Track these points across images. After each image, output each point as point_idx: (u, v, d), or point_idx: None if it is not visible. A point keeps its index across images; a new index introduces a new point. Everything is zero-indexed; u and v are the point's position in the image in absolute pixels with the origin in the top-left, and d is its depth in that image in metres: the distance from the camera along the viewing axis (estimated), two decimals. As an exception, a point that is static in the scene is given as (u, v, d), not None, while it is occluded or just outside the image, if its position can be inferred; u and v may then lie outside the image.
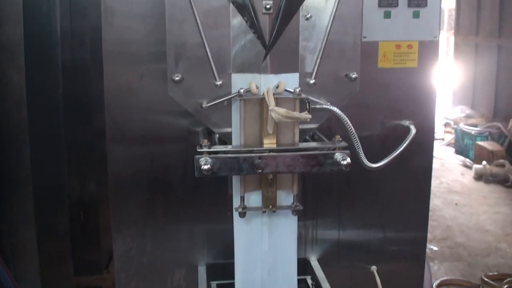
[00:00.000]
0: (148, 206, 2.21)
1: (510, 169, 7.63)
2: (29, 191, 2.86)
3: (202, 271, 2.21)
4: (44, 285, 2.87)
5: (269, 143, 1.82)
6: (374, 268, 2.34)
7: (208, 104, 1.87)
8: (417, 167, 2.35)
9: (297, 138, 1.85)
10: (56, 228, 3.33)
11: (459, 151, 8.85)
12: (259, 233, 1.97)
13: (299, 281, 2.10)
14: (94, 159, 4.14)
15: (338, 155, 1.78)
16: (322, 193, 2.31)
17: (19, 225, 2.84)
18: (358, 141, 1.90)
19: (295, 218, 1.98)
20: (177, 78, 1.87)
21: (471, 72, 10.22)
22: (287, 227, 1.98)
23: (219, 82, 1.88)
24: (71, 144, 3.66)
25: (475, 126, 8.94)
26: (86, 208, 4.10)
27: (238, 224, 1.96)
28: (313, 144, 1.89)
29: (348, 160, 1.78)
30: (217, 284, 2.13)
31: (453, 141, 9.21)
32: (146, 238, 2.23)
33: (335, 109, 1.84)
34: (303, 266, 2.21)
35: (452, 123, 9.60)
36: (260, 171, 1.78)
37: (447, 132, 9.65)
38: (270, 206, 1.91)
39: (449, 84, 11.18)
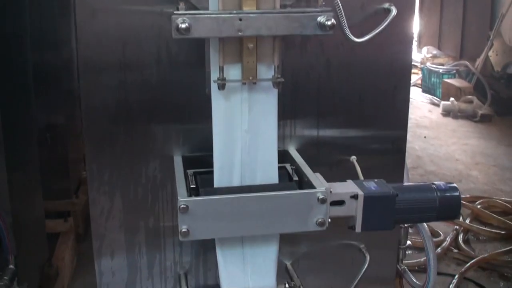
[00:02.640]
0: (119, 93, 2.09)
1: (478, 105, 7.68)
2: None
3: (178, 160, 2.11)
4: (14, 211, 2.75)
5: (249, 7, 1.72)
6: (354, 158, 2.27)
7: (184, -35, 1.76)
8: (396, 55, 2.28)
9: (278, 4, 1.76)
10: (25, 155, 3.20)
11: (426, 90, 8.88)
12: (239, 108, 1.89)
13: (278, 168, 2.02)
14: (61, 92, 4.03)
15: (322, 17, 1.70)
16: (300, 87, 2.21)
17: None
18: (342, 11, 1.82)
19: (276, 92, 1.89)
20: None
21: (437, 14, 10.20)
22: (268, 102, 1.89)
23: None
24: (38, 74, 3.52)
25: (442, 65, 8.96)
26: (54, 137, 3.99)
27: (217, 100, 1.87)
28: (294, 9, 1.80)
29: (333, 20, 1.69)
30: (193, 172, 2.04)
31: (419, 81, 9.22)
32: (119, 127, 2.12)
33: (317, -29, 1.75)
34: (282, 156, 2.12)
35: (418, 64, 9.60)
36: (240, 33, 1.68)
37: (413, 73, 9.63)
38: (251, 78, 1.82)
39: (415, 27, 11.14)
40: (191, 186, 1.94)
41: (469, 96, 7.90)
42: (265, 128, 1.92)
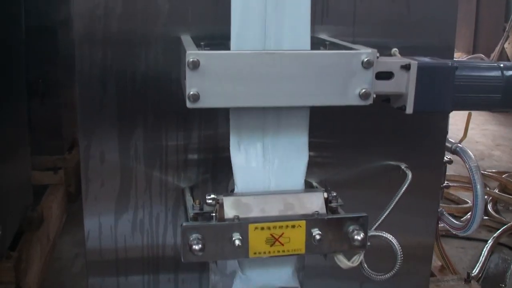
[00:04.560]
0: None
1: (495, 95, 7.32)
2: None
3: (186, 37, 1.73)
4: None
5: None
6: (395, 50, 1.89)
7: None
8: None
9: None
10: (12, 104, 2.85)
11: (439, 83, 8.52)
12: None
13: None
14: (55, 47, 3.72)
15: None
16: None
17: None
18: None
19: None
20: None
21: (450, 10, 9.91)
22: None
23: None
24: (32, 29, 3.30)
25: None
26: (47, 94, 3.67)
27: None
28: None
29: None
30: (206, 44, 1.66)
31: (432, 75, 8.89)
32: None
33: None
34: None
35: (431, 59, 9.29)
36: None
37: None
38: None
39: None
40: None
41: (485, 87, 7.54)
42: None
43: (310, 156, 1.80)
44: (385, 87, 1.54)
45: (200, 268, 2.01)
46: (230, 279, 1.76)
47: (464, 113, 6.44)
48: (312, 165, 1.86)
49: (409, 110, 1.54)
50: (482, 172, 4.07)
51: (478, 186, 2.16)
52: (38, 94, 3.71)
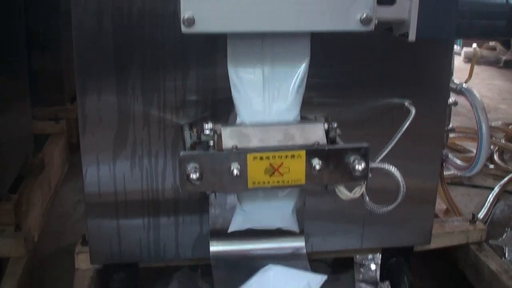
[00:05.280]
0: None
1: (502, 51, 7.24)
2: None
3: None
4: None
5: None
6: None
7: None
8: None
9: None
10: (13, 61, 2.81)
11: (445, 40, 8.41)
12: None
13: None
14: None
15: None
16: None
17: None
18: None
19: None
20: None
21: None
22: None
23: None
24: None
25: (463, 15, 8.51)
26: (48, 45, 3.61)
27: None
28: None
29: None
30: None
31: (439, 31, 8.76)
32: None
33: None
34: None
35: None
36: None
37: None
38: None
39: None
40: None
41: (492, 43, 7.44)
42: None
43: (312, 96, 1.77)
44: (387, 12, 1.49)
45: (200, 209, 1.99)
46: (230, 214, 1.74)
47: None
48: (314, 105, 1.83)
49: (412, 37, 1.50)
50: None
51: (483, 125, 2.13)
52: (39, 45, 3.66)
